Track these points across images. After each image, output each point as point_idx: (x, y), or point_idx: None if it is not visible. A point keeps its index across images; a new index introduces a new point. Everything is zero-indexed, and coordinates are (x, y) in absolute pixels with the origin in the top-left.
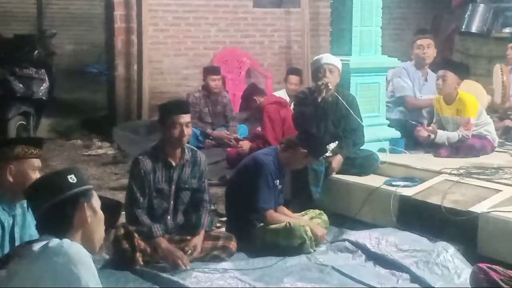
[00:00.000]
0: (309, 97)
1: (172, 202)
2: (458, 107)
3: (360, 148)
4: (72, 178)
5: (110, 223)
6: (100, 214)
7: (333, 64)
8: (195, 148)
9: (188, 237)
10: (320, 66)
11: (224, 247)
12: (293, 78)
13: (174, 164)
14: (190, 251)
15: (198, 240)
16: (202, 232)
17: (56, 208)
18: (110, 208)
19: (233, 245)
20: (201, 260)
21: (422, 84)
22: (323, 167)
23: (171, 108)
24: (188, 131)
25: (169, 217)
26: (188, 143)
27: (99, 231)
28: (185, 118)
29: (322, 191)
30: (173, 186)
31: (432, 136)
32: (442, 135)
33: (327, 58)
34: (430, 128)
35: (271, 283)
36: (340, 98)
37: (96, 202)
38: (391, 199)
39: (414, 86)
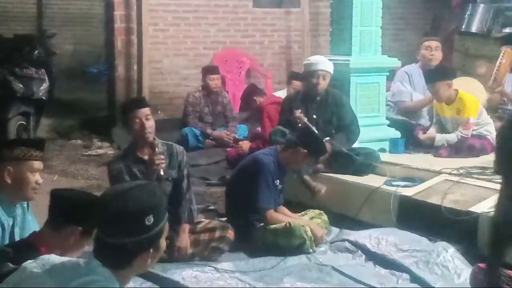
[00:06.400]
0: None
1: None
2: (458, 107)
3: (360, 146)
4: (149, 220)
5: None
6: (163, 247)
7: (328, 70)
8: (171, 143)
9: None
10: (314, 71)
11: (221, 237)
12: (297, 84)
13: (147, 159)
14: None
15: (181, 239)
16: (185, 227)
17: (120, 247)
18: None
19: (230, 233)
20: (201, 254)
21: (427, 88)
22: None
23: (128, 106)
24: (148, 123)
25: None
26: (187, 141)
27: (153, 263)
28: (143, 111)
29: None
30: (153, 179)
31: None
32: (440, 139)
33: (322, 64)
34: (429, 132)
35: (271, 283)
36: (328, 97)
37: (163, 239)
38: (391, 199)
39: (416, 90)
